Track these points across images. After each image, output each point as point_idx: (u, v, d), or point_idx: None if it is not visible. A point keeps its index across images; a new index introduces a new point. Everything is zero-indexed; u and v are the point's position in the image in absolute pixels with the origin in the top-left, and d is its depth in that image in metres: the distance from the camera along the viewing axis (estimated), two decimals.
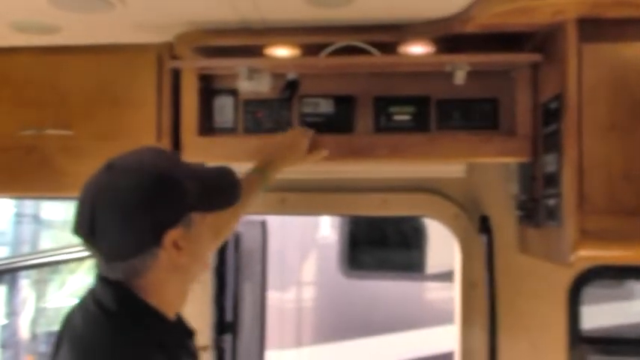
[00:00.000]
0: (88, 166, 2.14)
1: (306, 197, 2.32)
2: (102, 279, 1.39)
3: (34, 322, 5.95)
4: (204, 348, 1.62)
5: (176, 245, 1.36)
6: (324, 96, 2.18)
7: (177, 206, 1.37)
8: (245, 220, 2.48)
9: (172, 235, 1.35)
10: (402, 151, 2.09)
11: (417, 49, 2.02)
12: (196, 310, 2.35)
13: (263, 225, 3.17)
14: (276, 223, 4.20)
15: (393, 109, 2.16)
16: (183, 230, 1.37)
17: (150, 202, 1.33)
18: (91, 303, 1.39)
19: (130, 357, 1.31)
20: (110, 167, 1.37)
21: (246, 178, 1.95)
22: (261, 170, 1.99)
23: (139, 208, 1.32)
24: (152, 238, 1.34)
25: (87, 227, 1.33)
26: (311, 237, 5.04)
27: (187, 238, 1.38)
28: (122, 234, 1.32)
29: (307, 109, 2.18)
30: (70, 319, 1.44)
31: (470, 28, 1.84)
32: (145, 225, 1.33)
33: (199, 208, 1.41)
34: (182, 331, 1.48)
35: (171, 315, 1.43)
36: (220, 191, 1.48)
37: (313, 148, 2.06)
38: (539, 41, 1.95)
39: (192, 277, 1.50)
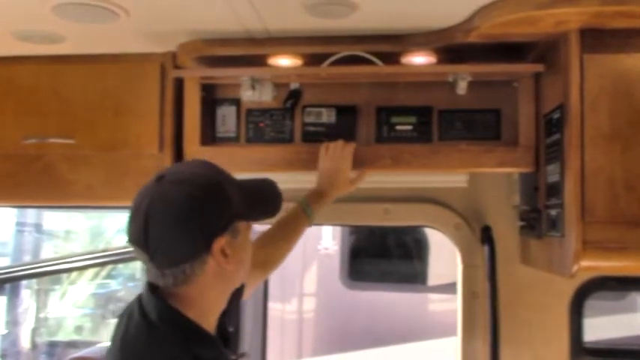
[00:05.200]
0: (91, 175, 2.18)
1: None
2: (149, 286, 1.44)
3: (35, 332, 5.93)
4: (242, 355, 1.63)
5: (223, 252, 1.41)
6: (327, 106, 2.18)
7: (225, 214, 1.43)
8: None
9: (220, 242, 1.40)
10: (404, 162, 2.08)
11: (420, 59, 2.03)
12: None
13: None
14: None
15: (395, 119, 2.16)
16: (230, 238, 1.43)
17: (200, 210, 1.38)
18: (137, 309, 1.44)
19: None
20: (160, 178, 1.42)
21: (294, 211, 2.01)
22: (306, 206, 2.02)
23: (191, 216, 1.37)
24: (203, 245, 1.39)
25: (141, 236, 1.38)
26: (313, 247, 5.03)
27: (233, 246, 1.44)
28: (175, 241, 1.37)
29: (309, 119, 2.18)
30: (120, 322, 1.50)
31: (472, 38, 1.85)
32: (197, 232, 1.38)
33: (244, 217, 1.48)
34: (219, 343, 1.50)
35: (208, 326, 1.46)
36: (263, 201, 1.58)
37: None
38: (542, 51, 1.96)
39: (232, 287, 1.54)
